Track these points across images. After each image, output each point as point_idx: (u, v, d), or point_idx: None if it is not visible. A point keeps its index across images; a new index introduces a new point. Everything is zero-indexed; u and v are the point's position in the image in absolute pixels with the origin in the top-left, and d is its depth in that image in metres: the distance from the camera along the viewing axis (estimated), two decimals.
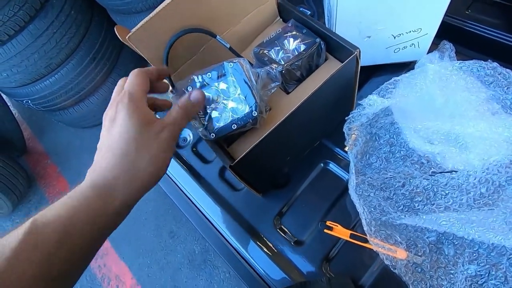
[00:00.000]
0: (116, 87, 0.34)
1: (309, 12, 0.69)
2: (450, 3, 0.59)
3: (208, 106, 0.38)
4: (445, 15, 0.57)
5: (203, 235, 0.54)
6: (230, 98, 0.38)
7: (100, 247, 0.30)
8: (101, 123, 0.34)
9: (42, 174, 1.85)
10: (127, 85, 0.32)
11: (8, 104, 1.76)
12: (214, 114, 0.38)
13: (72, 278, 0.28)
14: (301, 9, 0.69)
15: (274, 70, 0.38)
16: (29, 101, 1.57)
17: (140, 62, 1.84)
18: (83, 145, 1.88)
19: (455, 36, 0.54)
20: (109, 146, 0.30)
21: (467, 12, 0.57)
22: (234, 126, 0.37)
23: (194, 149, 0.61)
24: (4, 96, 1.70)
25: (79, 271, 0.29)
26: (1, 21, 1.18)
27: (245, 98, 0.37)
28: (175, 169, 0.60)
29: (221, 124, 0.38)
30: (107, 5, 1.44)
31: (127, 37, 0.35)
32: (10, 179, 1.56)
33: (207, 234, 0.54)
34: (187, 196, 0.58)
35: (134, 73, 0.33)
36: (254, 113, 0.37)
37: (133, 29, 0.36)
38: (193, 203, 0.57)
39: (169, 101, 0.38)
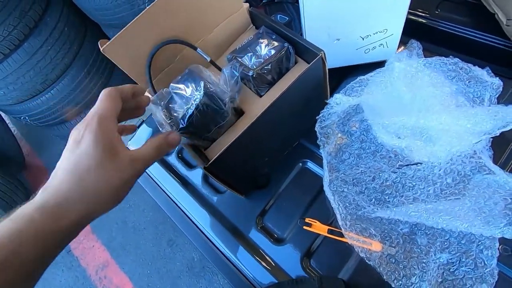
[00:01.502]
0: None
1: (287, 19, 0.72)
2: (421, 2, 0.61)
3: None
4: (416, 15, 0.60)
5: (190, 239, 0.55)
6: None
7: (46, 268, 0.28)
8: None
9: None
10: (97, 106, 0.30)
11: (7, 121, 1.79)
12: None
13: None
14: (279, 16, 0.72)
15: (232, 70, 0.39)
16: (27, 117, 1.60)
17: None
18: None
19: (425, 34, 0.57)
20: (68, 169, 0.28)
21: (436, 12, 0.59)
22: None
23: (180, 155, 0.62)
24: (2, 114, 1.74)
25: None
26: None
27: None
28: (161, 176, 0.61)
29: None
30: (99, 20, 1.48)
31: (101, 49, 0.37)
32: (10, 195, 1.58)
33: (195, 238, 0.55)
34: (174, 202, 0.59)
35: (105, 94, 0.31)
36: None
37: (108, 42, 0.38)
38: (180, 208, 0.58)
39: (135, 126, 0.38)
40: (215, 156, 0.38)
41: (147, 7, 0.38)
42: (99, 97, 0.31)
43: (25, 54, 1.33)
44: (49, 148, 2.02)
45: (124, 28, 0.38)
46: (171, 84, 0.40)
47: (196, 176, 0.59)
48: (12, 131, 1.81)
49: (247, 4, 0.48)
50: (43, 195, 0.28)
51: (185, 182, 0.60)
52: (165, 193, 0.61)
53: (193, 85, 0.38)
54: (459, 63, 0.43)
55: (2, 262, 0.24)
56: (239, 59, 0.45)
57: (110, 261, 1.57)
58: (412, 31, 0.55)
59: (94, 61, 1.59)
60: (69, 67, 1.50)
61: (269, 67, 0.42)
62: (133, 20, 0.39)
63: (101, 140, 0.29)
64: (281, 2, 0.80)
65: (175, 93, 0.39)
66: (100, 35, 1.64)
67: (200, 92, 0.37)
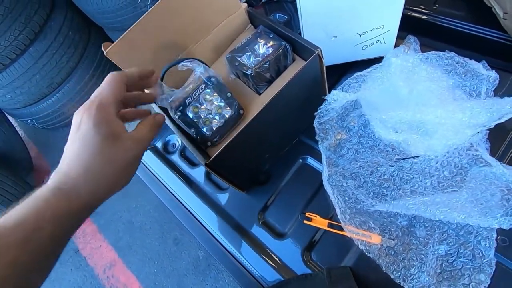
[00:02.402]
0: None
1: (286, 17, 0.72)
2: None
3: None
4: (414, 11, 0.60)
5: (195, 237, 0.57)
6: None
7: (63, 248, 0.30)
8: None
9: None
10: (99, 91, 0.31)
11: (14, 124, 1.83)
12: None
13: (36, 282, 0.28)
14: (278, 15, 0.73)
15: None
16: (34, 121, 1.63)
17: None
18: None
19: (423, 29, 0.57)
20: (74, 154, 0.29)
21: (434, 8, 0.60)
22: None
23: (183, 153, 0.64)
24: (9, 117, 1.77)
25: (43, 273, 0.29)
26: (2, 46, 1.25)
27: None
28: (165, 174, 0.63)
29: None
30: (102, 24, 1.51)
31: (105, 53, 0.39)
32: (17, 196, 1.61)
33: (200, 236, 0.57)
34: (178, 200, 0.61)
35: (108, 78, 0.32)
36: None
37: (111, 45, 0.39)
38: (184, 206, 0.59)
39: (141, 110, 0.39)
40: (216, 153, 0.40)
41: (148, 10, 0.39)
42: (104, 81, 0.32)
43: (31, 59, 1.35)
44: (55, 150, 2.05)
45: (126, 31, 0.40)
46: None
47: (199, 174, 0.60)
48: (20, 134, 1.84)
49: (246, 4, 0.49)
50: (56, 178, 0.29)
51: (188, 180, 0.61)
52: (170, 191, 0.62)
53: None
54: (455, 57, 0.43)
55: (24, 239, 0.26)
56: (238, 59, 0.46)
57: (117, 260, 1.60)
58: (410, 27, 0.55)
59: (99, 64, 1.61)
60: (74, 70, 1.52)
61: (267, 65, 0.43)
62: (135, 23, 0.40)
63: (100, 125, 0.29)
64: (280, 1, 0.81)
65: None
66: (103, 38, 1.67)
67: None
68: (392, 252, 0.41)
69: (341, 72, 0.59)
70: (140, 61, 0.43)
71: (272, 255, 0.48)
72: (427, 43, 0.54)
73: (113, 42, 0.40)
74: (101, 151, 0.29)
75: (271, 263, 0.48)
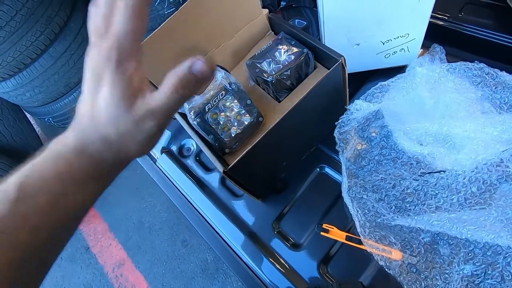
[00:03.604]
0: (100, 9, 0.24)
1: (305, 23, 0.72)
2: (443, 6, 0.60)
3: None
4: (439, 19, 0.59)
5: (207, 241, 0.56)
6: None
7: (81, 222, 0.27)
8: None
9: None
10: (118, 31, 0.23)
11: (32, 122, 1.87)
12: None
13: (54, 252, 0.26)
14: (297, 20, 0.72)
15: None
16: (51, 119, 1.67)
17: None
18: None
19: (448, 39, 0.55)
20: (93, 115, 0.25)
21: (460, 15, 0.58)
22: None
23: (198, 158, 0.63)
24: (28, 115, 1.82)
25: (63, 242, 0.26)
26: (24, 46, 1.28)
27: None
28: (179, 178, 0.63)
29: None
30: None
31: None
32: None
33: (211, 240, 0.56)
34: (191, 204, 0.60)
35: (127, 8, 0.22)
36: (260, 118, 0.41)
37: None
38: (197, 210, 0.59)
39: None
40: (235, 161, 0.39)
41: (171, 16, 0.39)
42: (118, 10, 0.23)
43: (50, 59, 1.39)
44: None
45: (148, 37, 0.40)
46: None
47: (213, 179, 0.60)
48: (37, 131, 1.89)
49: (267, 10, 0.48)
50: (75, 138, 0.25)
51: (202, 185, 0.61)
52: (183, 195, 0.62)
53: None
54: (485, 68, 0.41)
55: (53, 204, 0.24)
56: (258, 65, 0.45)
57: (126, 259, 1.61)
58: (433, 35, 0.53)
59: None
60: None
61: (288, 72, 0.42)
62: (157, 29, 0.40)
63: (119, 84, 0.23)
64: (299, 7, 0.81)
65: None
66: None
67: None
68: (414, 270, 0.39)
69: (361, 80, 0.58)
70: (161, 67, 0.43)
71: (287, 265, 0.47)
72: (453, 53, 0.52)
73: None
74: (116, 120, 0.24)
75: (285, 273, 0.47)
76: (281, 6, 0.79)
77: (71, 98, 1.58)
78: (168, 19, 0.39)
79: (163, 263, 1.52)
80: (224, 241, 0.54)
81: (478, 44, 0.54)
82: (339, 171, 0.51)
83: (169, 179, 0.64)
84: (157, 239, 1.59)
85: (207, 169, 0.61)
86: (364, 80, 0.58)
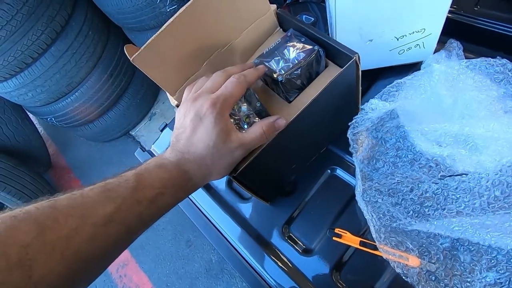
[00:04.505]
0: (214, 76, 0.37)
1: (313, 19, 0.69)
2: (458, 0, 0.57)
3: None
4: (453, 13, 0.56)
5: (213, 244, 0.55)
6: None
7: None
8: (120, 137, 0.40)
9: (66, 188, 1.94)
10: (227, 90, 0.34)
11: (34, 122, 1.87)
12: None
13: (134, 238, 0.32)
14: (304, 16, 0.70)
15: None
16: (53, 118, 1.66)
17: None
18: (103, 158, 1.96)
19: (464, 33, 0.53)
20: (193, 144, 0.34)
21: (475, 9, 0.55)
22: None
23: None
24: (30, 115, 1.81)
25: (135, 237, 0.32)
26: (25, 46, 1.27)
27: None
28: None
29: None
30: (122, 24, 1.51)
31: (131, 59, 0.37)
32: (37, 193, 1.64)
33: (217, 243, 0.54)
34: (196, 206, 0.59)
35: (238, 82, 0.35)
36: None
37: (138, 51, 0.37)
38: (202, 213, 0.57)
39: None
40: (244, 165, 0.37)
41: (176, 15, 0.37)
42: (231, 80, 0.35)
43: (52, 58, 1.37)
44: (73, 148, 2.09)
45: (153, 37, 0.38)
46: None
47: (219, 181, 0.58)
48: (39, 131, 1.88)
49: (275, 6, 0.46)
50: (174, 155, 0.34)
51: (208, 187, 0.59)
52: (188, 197, 0.60)
53: None
54: (507, 64, 0.39)
55: (155, 197, 0.31)
56: (266, 64, 0.43)
57: (130, 259, 1.60)
58: (448, 30, 0.51)
59: (117, 64, 1.62)
60: (93, 69, 1.54)
61: (298, 71, 0.40)
62: (162, 29, 0.38)
63: (219, 122, 0.33)
64: (305, 2, 0.78)
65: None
66: (122, 38, 1.68)
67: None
68: (433, 278, 0.38)
69: (372, 78, 0.55)
70: (167, 67, 0.41)
71: (297, 271, 0.45)
72: (470, 48, 0.50)
73: (132, 42, 0.38)
74: (214, 146, 0.33)
75: (295, 279, 0.45)
76: (287, 1, 0.76)
77: (73, 98, 1.56)
78: (173, 17, 0.37)
79: (167, 263, 1.52)
80: (231, 244, 0.52)
81: (495, 39, 0.51)
82: (350, 173, 0.49)
83: None
84: (161, 239, 1.58)
85: None
86: (375, 78, 0.56)
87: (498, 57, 0.40)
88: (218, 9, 0.41)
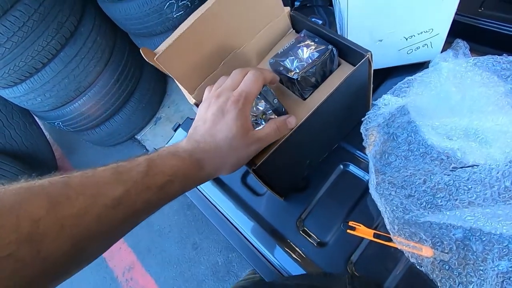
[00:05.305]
0: (233, 74, 0.38)
1: (320, 22, 0.72)
2: (462, 1, 0.59)
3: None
4: (458, 14, 0.58)
5: (227, 238, 0.56)
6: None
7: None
8: (126, 141, 0.41)
9: None
10: (247, 87, 0.36)
11: (41, 126, 1.89)
12: None
13: (139, 222, 0.32)
14: (313, 19, 0.72)
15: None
16: (60, 123, 1.68)
17: (161, 80, 1.93)
18: (108, 162, 1.97)
19: (469, 34, 0.55)
20: (210, 132, 0.35)
21: (480, 10, 0.57)
22: None
23: None
24: (37, 119, 1.83)
25: (138, 222, 0.32)
26: (36, 51, 1.29)
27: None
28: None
29: None
30: (129, 30, 1.54)
31: (155, 59, 0.39)
32: None
33: (231, 238, 0.56)
34: (211, 203, 0.60)
35: (255, 77, 0.36)
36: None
37: (160, 51, 0.39)
38: (217, 209, 0.59)
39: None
40: (263, 158, 0.39)
41: (196, 17, 0.39)
42: (249, 76, 0.37)
43: (61, 63, 1.40)
44: (78, 152, 2.11)
45: (174, 39, 0.40)
46: None
47: (233, 177, 0.59)
48: (46, 135, 1.90)
49: (288, 8, 0.48)
50: (190, 144, 0.35)
51: (221, 183, 0.60)
52: (203, 194, 0.61)
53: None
54: None
55: (161, 186, 0.31)
56: (281, 63, 0.45)
57: (136, 263, 1.61)
58: (454, 30, 0.53)
59: (123, 69, 1.65)
60: (100, 74, 1.56)
61: (313, 69, 0.42)
62: (183, 31, 0.40)
63: (241, 117, 0.35)
64: (312, 6, 0.81)
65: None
66: (128, 44, 1.71)
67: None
68: (447, 267, 0.39)
69: (380, 77, 0.57)
70: (187, 66, 0.43)
71: (313, 264, 0.47)
72: (476, 49, 0.52)
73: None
74: (232, 139, 0.35)
75: (311, 271, 0.46)
76: (295, 6, 0.79)
77: (81, 102, 1.59)
78: (193, 20, 0.39)
79: (173, 266, 1.52)
80: (247, 239, 0.54)
81: (500, 39, 0.53)
82: (362, 167, 0.51)
83: None
84: (167, 242, 1.58)
85: None
86: (384, 77, 0.57)
87: (504, 54, 0.42)
88: (235, 12, 0.43)
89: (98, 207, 0.27)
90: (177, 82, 0.45)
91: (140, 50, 0.45)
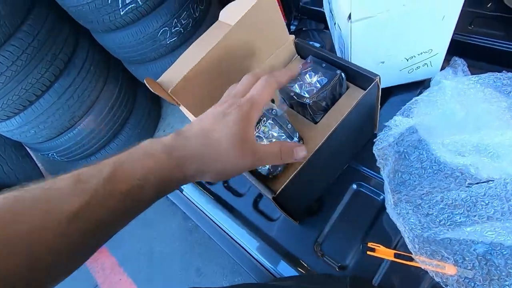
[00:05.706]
0: (243, 79, 0.36)
1: (319, 45, 0.74)
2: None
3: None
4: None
5: (243, 267, 0.55)
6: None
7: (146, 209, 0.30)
8: None
9: None
10: (256, 92, 0.33)
11: (34, 158, 1.84)
12: None
13: (111, 234, 0.29)
14: (310, 43, 0.74)
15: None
16: (54, 154, 1.65)
17: (155, 104, 1.93)
18: None
19: (463, 51, 0.57)
20: (205, 131, 0.31)
21: (470, 28, 0.60)
22: None
23: (225, 184, 0.63)
24: (30, 151, 1.79)
25: (114, 231, 0.29)
26: (30, 84, 1.29)
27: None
28: (208, 205, 0.62)
29: None
30: (122, 58, 1.56)
31: (169, 91, 0.39)
32: None
33: (248, 267, 0.54)
34: (222, 230, 0.59)
35: (267, 82, 0.33)
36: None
37: (176, 84, 0.40)
38: (230, 236, 0.58)
39: None
40: (283, 186, 0.39)
41: (209, 49, 0.40)
42: (260, 81, 0.34)
43: (55, 94, 1.39)
44: None
45: (187, 72, 0.40)
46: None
47: (244, 204, 0.59)
48: (39, 166, 1.86)
49: (293, 36, 0.50)
50: (175, 140, 0.30)
51: (232, 210, 0.60)
52: (213, 221, 0.60)
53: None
54: None
55: (127, 192, 0.27)
56: (290, 88, 0.46)
57: None
58: (449, 49, 0.56)
59: (117, 96, 1.65)
60: (94, 103, 1.55)
61: (324, 94, 0.43)
62: (195, 64, 0.41)
63: (242, 121, 0.31)
64: (307, 31, 0.83)
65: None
66: (122, 71, 1.72)
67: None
68: (473, 284, 0.39)
69: (383, 96, 0.59)
70: (199, 95, 0.43)
71: None
72: (472, 64, 0.54)
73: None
74: (228, 142, 0.31)
75: None
76: (291, 30, 0.81)
77: (75, 132, 1.57)
78: (206, 52, 0.40)
79: None
80: (264, 267, 0.53)
81: (492, 54, 0.56)
82: (374, 187, 0.51)
83: (198, 208, 0.63)
84: (169, 269, 1.53)
85: (237, 194, 0.61)
86: (387, 96, 0.59)
87: (504, 71, 0.44)
88: (244, 42, 0.44)
89: (52, 223, 0.24)
90: (185, 112, 0.45)
91: (145, 81, 0.45)
